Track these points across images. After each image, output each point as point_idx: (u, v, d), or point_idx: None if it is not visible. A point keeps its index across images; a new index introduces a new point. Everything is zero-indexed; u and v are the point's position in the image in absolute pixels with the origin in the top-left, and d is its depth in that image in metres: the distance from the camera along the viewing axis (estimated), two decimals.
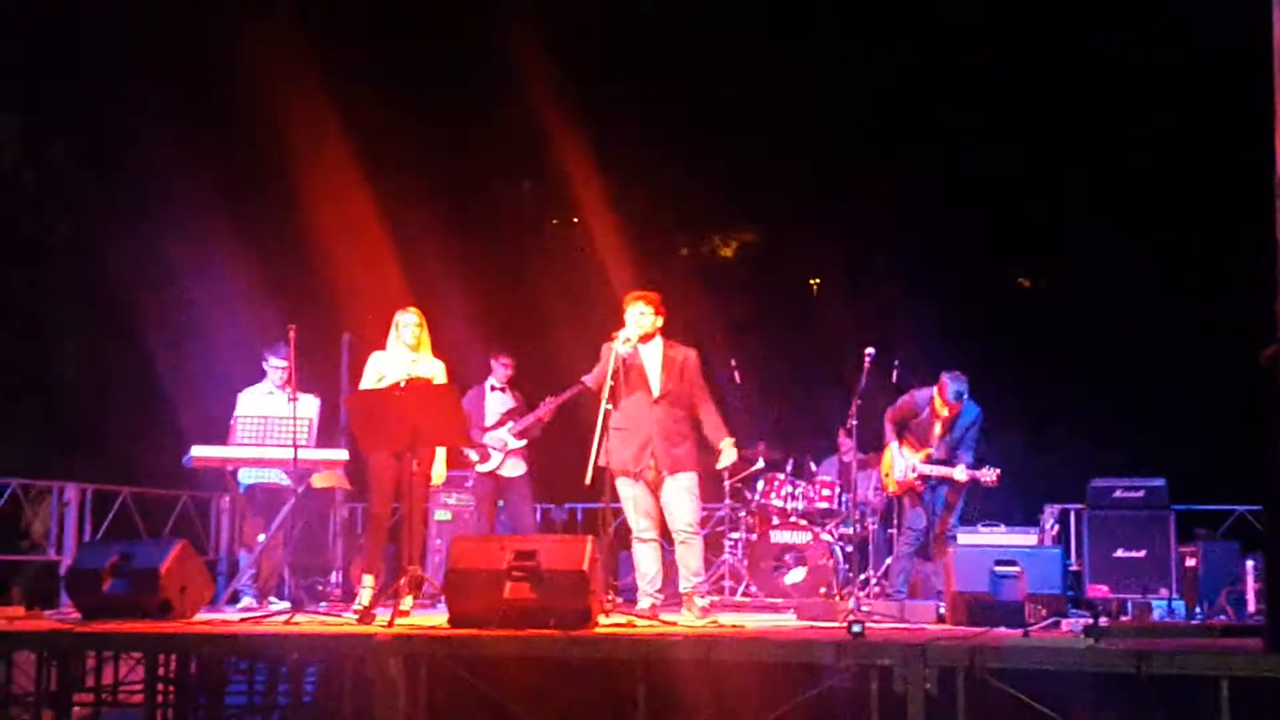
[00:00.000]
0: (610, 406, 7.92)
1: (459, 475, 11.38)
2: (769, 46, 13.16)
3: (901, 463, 9.54)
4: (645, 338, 8.12)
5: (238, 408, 9.56)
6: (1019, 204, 13.67)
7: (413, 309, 8.56)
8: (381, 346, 8.56)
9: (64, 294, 12.12)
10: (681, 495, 8.02)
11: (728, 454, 8.19)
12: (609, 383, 7.94)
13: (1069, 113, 12.95)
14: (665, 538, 8.24)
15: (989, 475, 9.23)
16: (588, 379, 8.20)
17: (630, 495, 8.07)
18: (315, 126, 12.56)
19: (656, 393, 8.05)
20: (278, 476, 9.43)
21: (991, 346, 12.93)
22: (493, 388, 10.60)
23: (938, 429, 9.39)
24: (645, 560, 8.10)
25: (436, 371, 8.47)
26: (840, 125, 13.58)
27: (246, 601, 9.05)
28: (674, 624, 7.60)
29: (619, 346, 7.98)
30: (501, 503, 10.58)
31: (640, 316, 8.11)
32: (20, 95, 11.61)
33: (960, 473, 9.25)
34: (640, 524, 8.09)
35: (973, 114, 13.28)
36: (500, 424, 10.41)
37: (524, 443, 10.47)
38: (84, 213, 12.07)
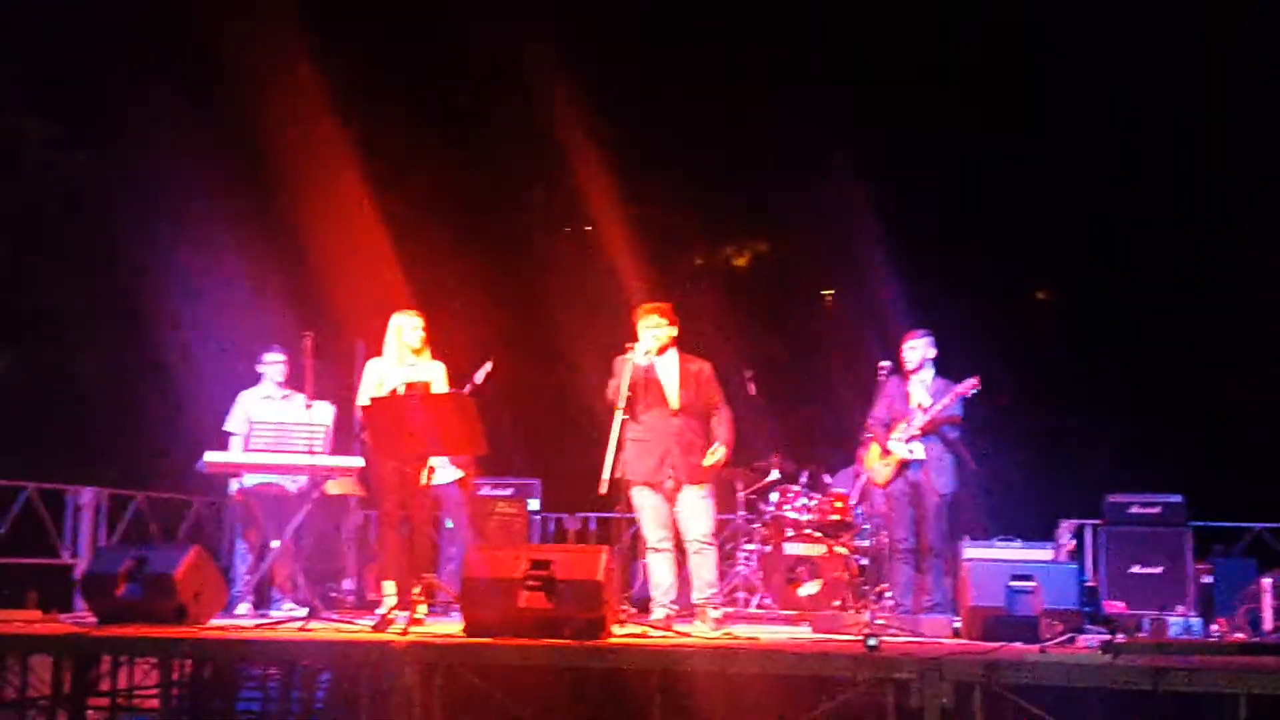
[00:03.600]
0: (627, 418, 7.93)
1: (473, 484, 11.39)
2: (786, 53, 13.14)
3: (877, 453, 9.37)
4: (661, 350, 8.16)
5: (235, 410, 9.55)
6: (1038, 216, 13.62)
7: (412, 313, 8.52)
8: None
9: (80, 299, 12.14)
10: (697, 505, 8.09)
11: (712, 457, 8.10)
12: (624, 394, 7.96)
13: (1093, 124, 12.92)
14: (679, 549, 8.24)
15: (967, 384, 8.98)
16: (610, 389, 8.17)
17: (648, 505, 8.10)
18: (330, 135, 12.57)
19: (675, 405, 8.11)
20: (281, 481, 9.42)
21: (1009, 360, 12.85)
22: None
23: (914, 398, 9.19)
24: (660, 571, 8.10)
25: (437, 375, 8.46)
26: (857, 135, 13.54)
27: (244, 608, 9.03)
28: (688, 635, 7.59)
29: (638, 358, 8.01)
30: (450, 523, 10.10)
31: (655, 329, 8.16)
32: (41, 102, 11.64)
33: (927, 405, 8.97)
34: (656, 534, 8.11)
35: (993, 124, 13.25)
36: None
37: None
38: (100, 218, 12.08)
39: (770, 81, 13.18)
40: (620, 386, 7.97)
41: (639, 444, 8.02)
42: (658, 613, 8.01)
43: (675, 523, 8.13)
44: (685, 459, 8.04)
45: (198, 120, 12.02)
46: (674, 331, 8.21)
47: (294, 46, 12.23)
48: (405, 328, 8.47)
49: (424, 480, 8.43)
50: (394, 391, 8.16)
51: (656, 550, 8.13)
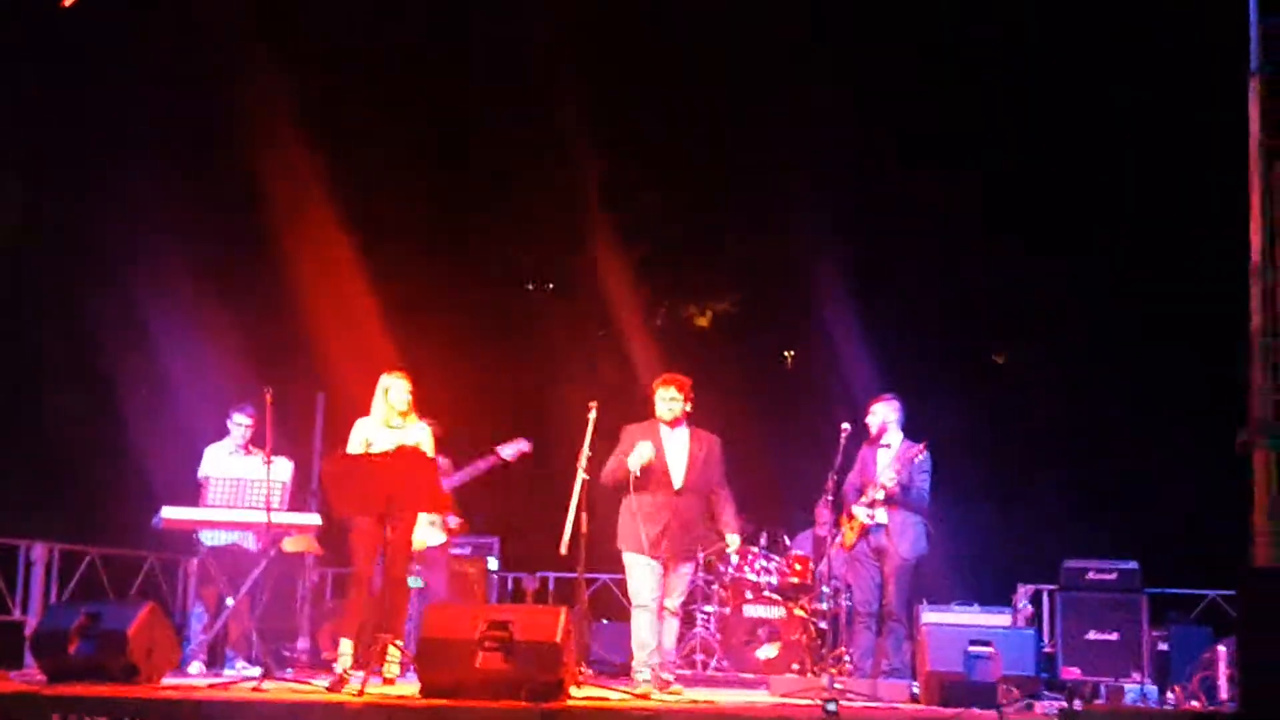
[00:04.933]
0: (587, 478, 8.13)
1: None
2: (746, 113, 13.26)
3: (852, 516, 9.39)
4: (674, 422, 8.38)
5: (203, 464, 9.51)
6: (992, 280, 13.74)
7: (400, 372, 8.48)
8: (357, 407, 8.50)
9: (34, 351, 12.03)
10: (681, 580, 8.41)
11: (732, 546, 8.77)
12: (587, 452, 8.18)
13: (1051, 184, 13.08)
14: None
15: (913, 450, 8.98)
16: (607, 467, 8.35)
17: (639, 567, 8.25)
18: (291, 187, 12.57)
19: (679, 485, 8.31)
20: (241, 539, 9.35)
21: (965, 423, 12.92)
22: None
23: (880, 460, 9.21)
24: (644, 629, 8.20)
25: (424, 438, 8.40)
26: (814, 198, 13.65)
27: (196, 667, 8.92)
28: (647, 696, 7.56)
29: (631, 462, 8.18)
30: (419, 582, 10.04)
31: (671, 402, 8.40)
32: (16, 156, 11.58)
33: (887, 478, 9.00)
34: (645, 594, 8.24)
35: (952, 189, 13.37)
36: None
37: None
38: (57, 269, 12.00)
39: (734, 145, 13.28)
40: (619, 476, 8.23)
41: (638, 516, 8.19)
42: (643, 673, 8.07)
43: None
44: (681, 536, 8.27)
45: (160, 171, 11.98)
46: (688, 406, 8.42)
47: (261, 95, 12.24)
48: (393, 389, 8.39)
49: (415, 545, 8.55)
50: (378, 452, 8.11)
51: (643, 609, 8.22)
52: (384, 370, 8.50)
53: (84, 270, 11.98)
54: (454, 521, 10.19)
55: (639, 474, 8.17)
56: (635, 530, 8.20)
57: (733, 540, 8.74)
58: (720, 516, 8.61)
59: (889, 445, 9.17)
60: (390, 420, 8.38)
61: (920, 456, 9.00)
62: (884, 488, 8.94)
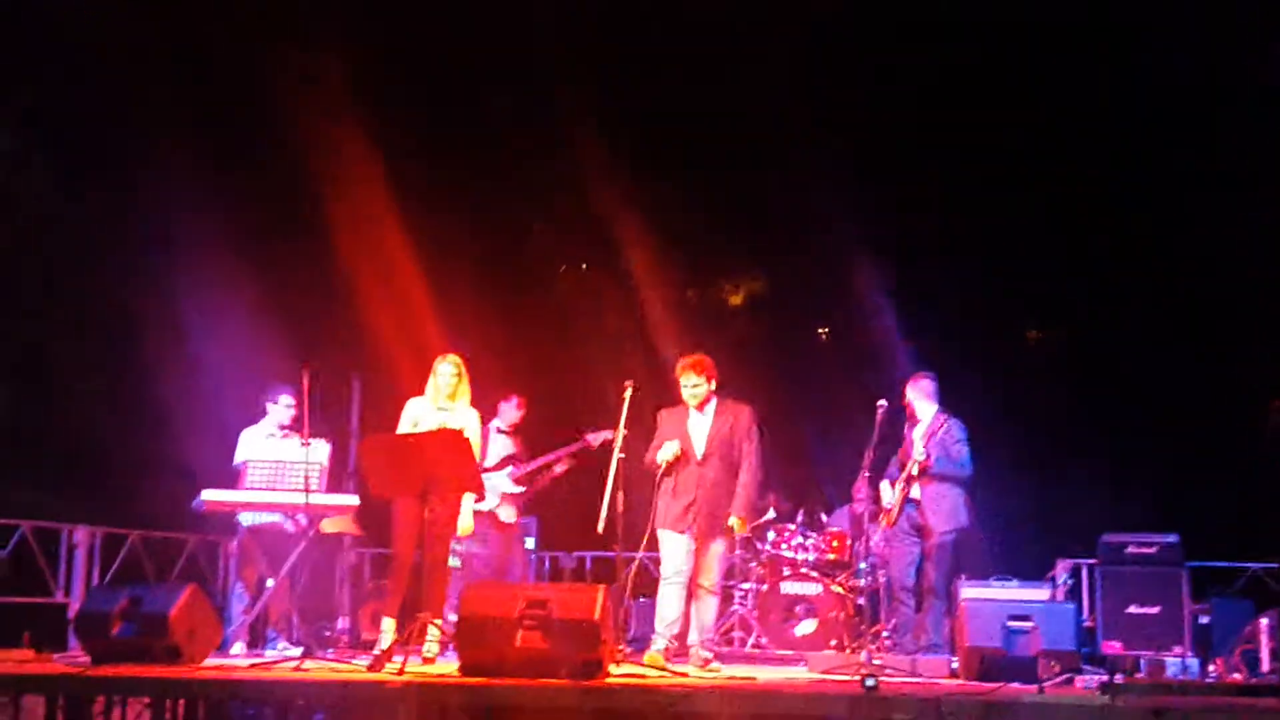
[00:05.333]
0: (623, 456, 8.14)
1: None
2: (780, 91, 13.17)
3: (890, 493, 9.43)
4: (700, 404, 8.36)
5: (239, 448, 9.56)
6: (1030, 255, 13.63)
7: (452, 357, 8.60)
8: (393, 389, 8.59)
9: (73, 334, 12.10)
10: (715, 558, 8.31)
11: (737, 525, 8.39)
12: (622, 431, 8.22)
13: (1082, 161, 12.94)
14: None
15: (935, 424, 9.15)
16: (648, 455, 8.41)
17: (669, 542, 8.26)
18: (324, 165, 12.57)
19: (699, 455, 8.29)
20: (280, 519, 9.41)
21: (1003, 399, 12.87)
22: (498, 430, 10.50)
23: (915, 442, 9.27)
24: (669, 604, 8.19)
25: (469, 423, 8.49)
26: (848, 172, 13.56)
27: (238, 648, 8.99)
28: (685, 674, 7.57)
29: (659, 459, 8.25)
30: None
31: (694, 388, 8.36)
32: (35, 138, 11.63)
33: (918, 452, 9.10)
34: (672, 568, 8.24)
35: (981, 163, 13.26)
36: (499, 468, 10.30)
37: (520, 489, 10.35)
38: (96, 253, 12.05)
39: (769, 119, 13.19)
40: (658, 456, 8.27)
41: (670, 493, 8.26)
42: (658, 643, 8.05)
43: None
44: (709, 512, 8.21)
45: (192, 153, 12.00)
46: (712, 385, 8.38)
47: (298, 74, 12.23)
48: (440, 371, 8.58)
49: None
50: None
51: (670, 582, 8.23)
52: (426, 353, 8.65)
53: (120, 253, 12.03)
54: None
55: (623, 434, 8.23)
56: (666, 507, 8.25)
57: (734, 522, 8.33)
58: (738, 486, 8.31)
59: (921, 421, 9.23)
60: (438, 402, 8.51)
61: (944, 427, 9.04)
62: (917, 463, 8.99)
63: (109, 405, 12.00)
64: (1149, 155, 12.67)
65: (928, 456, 9.04)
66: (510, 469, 10.31)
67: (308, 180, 12.36)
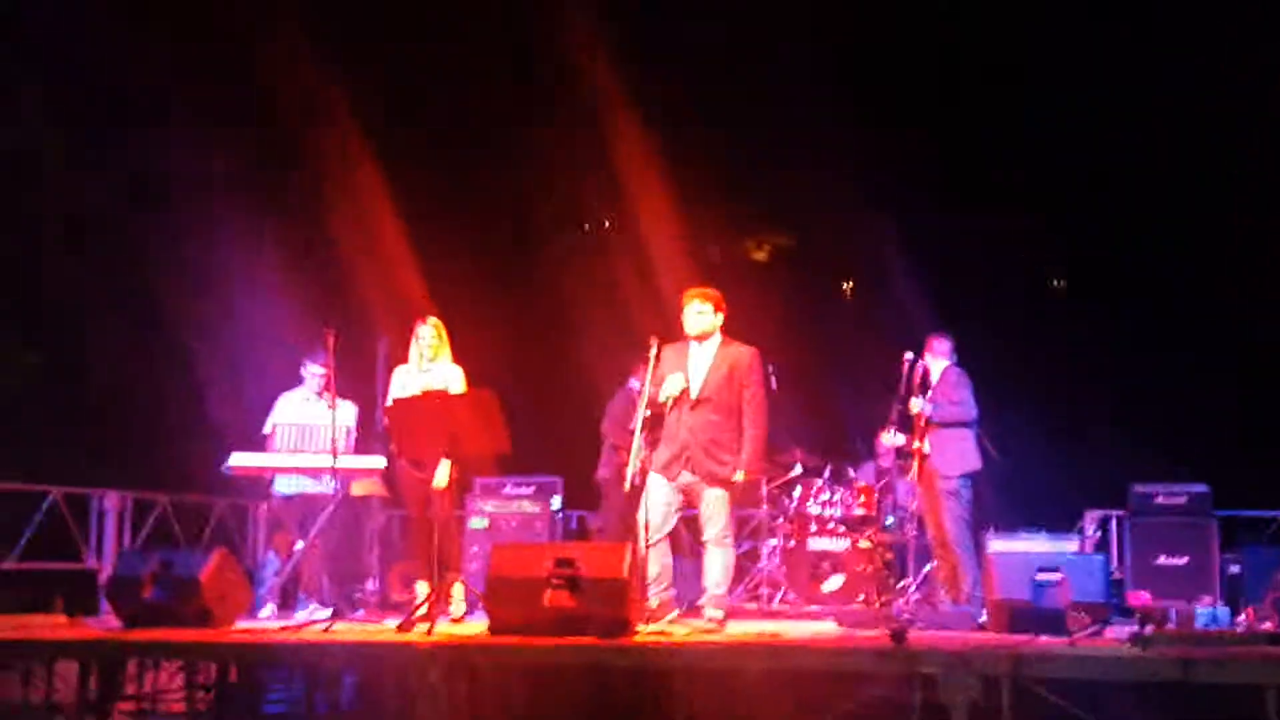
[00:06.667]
0: (649, 412, 7.78)
1: (494, 483, 11.39)
2: (803, 49, 13.08)
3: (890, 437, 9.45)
4: (702, 337, 7.88)
5: (274, 412, 9.56)
6: (1055, 205, 13.55)
7: (430, 320, 8.68)
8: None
9: (101, 301, 12.15)
10: (713, 506, 7.80)
11: (737, 474, 7.80)
12: (648, 389, 7.79)
13: (1107, 111, 12.83)
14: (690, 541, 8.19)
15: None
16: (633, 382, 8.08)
17: (653, 490, 7.78)
18: (352, 132, 12.57)
19: (694, 395, 7.80)
20: (312, 484, 9.44)
21: (1030, 350, 12.83)
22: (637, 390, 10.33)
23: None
24: (650, 563, 7.72)
25: (452, 379, 8.58)
26: (872, 126, 13.47)
27: (268, 610, 9.05)
28: (712, 631, 7.58)
29: (662, 396, 7.74)
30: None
31: (698, 316, 7.86)
32: (64, 103, 11.64)
33: (915, 405, 9.08)
34: (648, 519, 7.71)
35: (1007, 116, 13.18)
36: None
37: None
38: (122, 220, 12.09)
39: (789, 78, 13.12)
40: (660, 393, 7.77)
41: (665, 437, 7.80)
42: (651, 601, 7.69)
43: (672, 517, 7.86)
44: (704, 457, 7.73)
45: (220, 122, 12.02)
46: (719, 318, 7.90)
47: (314, 56, 12.22)
48: (418, 336, 8.69)
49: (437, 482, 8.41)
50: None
51: (647, 543, 7.72)
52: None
53: (149, 220, 12.07)
54: None
55: (650, 393, 7.72)
56: (660, 448, 7.79)
57: (738, 475, 7.76)
58: (742, 439, 7.79)
59: (933, 378, 9.26)
60: (421, 365, 8.65)
61: (944, 377, 9.06)
62: (920, 415, 9.03)
63: (137, 370, 12.06)
64: (1172, 103, 12.55)
65: (923, 409, 9.03)
66: None
67: (329, 149, 12.38)
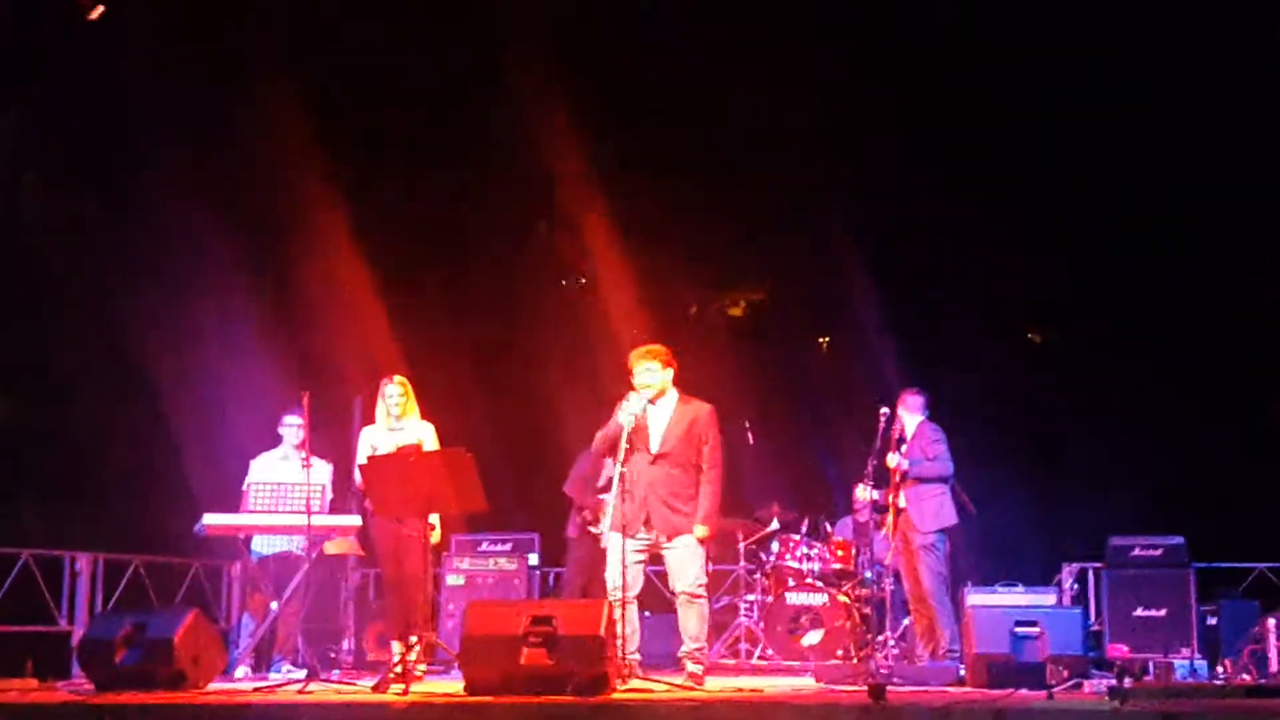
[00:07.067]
0: (625, 470, 7.72)
1: (470, 540, 11.36)
2: (778, 106, 13.18)
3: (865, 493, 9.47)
4: (656, 396, 7.85)
5: (250, 475, 9.52)
6: (1029, 259, 13.63)
7: (396, 378, 8.76)
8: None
9: (74, 356, 12.09)
10: (682, 557, 7.80)
11: (700, 530, 7.81)
12: (624, 445, 7.71)
13: (1077, 168, 12.94)
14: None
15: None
16: (597, 435, 8.02)
17: (613, 548, 7.73)
18: (325, 189, 12.59)
19: (654, 450, 7.80)
20: (289, 544, 9.39)
21: (1004, 403, 12.87)
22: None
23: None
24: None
25: (425, 435, 8.60)
26: (845, 185, 13.56)
27: (242, 672, 8.97)
28: (692, 688, 7.54)
29: (622, 417, 7.72)
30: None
31: (647, 374, 7.85)
32: (42, 150, 11.62)
33: (891, 460, 9.10)
34: (610, 584, 7.71)
35: (976, 168, 13.26)
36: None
37: None
38: (99, 273, 12.05)
39: (765, 130, 13.20)
40: (613, 434, 7.73)
41: (624, 493, 7.70)
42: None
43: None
44: (664, 511, 7.74)
45: (198, 176, 12.01)
46: (669, 374, 7.91)
47: (288, 109, 12.24)
48: (384, 395, 8.73)
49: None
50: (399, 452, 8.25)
51: (609, 595, 7.67)
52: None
53: (126, 276, 12.03)
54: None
55: (629, 435, 7.62)
56: (619, 505, 7.64)
57: (699, 529, 7.77)
58: (699, 494, 7.79)
59: (907, 434, 9.31)
60: (389, 423, 8.67)
61: (919, 433, 9.11)
62: (897, 470, 9.08)
63: (111, 431, 11.98)
64: (1143, 157, 12.66)
65: (900, 465, 9.09)
66: None
67: (305, 207, 12.40)
